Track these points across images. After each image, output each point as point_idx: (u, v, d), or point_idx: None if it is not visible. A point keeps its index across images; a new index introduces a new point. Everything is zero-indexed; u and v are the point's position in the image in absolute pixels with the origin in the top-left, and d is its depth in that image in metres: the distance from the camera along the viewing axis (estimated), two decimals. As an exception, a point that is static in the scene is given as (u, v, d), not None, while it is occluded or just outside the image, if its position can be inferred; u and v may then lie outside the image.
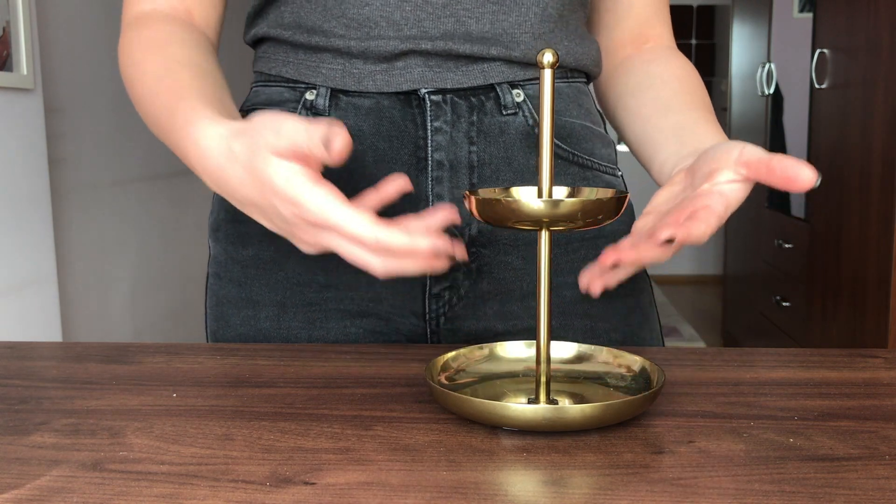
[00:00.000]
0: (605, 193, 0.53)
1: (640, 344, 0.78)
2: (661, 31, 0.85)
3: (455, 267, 0.73)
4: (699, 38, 5.63)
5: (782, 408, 0.54)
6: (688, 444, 0.48)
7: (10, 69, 1.89)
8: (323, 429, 0.50)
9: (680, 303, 5.14)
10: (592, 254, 0.76)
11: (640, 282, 0.79)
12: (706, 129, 0.70)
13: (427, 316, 0.74)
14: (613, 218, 0.51)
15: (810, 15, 3.01)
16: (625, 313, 0.77)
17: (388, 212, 0.72)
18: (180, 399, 0.56)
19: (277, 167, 0.51)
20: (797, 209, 3.18)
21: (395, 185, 0.56)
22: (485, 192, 0.55)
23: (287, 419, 0.52)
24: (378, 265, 0.52)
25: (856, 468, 0.45)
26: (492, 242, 0.73)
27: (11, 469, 0.45)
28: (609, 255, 0.55)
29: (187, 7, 0.74)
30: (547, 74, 0.50)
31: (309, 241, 0.55)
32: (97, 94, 2.48)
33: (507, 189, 0.56)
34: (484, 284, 0.74)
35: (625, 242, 0.56)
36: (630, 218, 0.79)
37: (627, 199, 0.53)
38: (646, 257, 0.55)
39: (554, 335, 0.74)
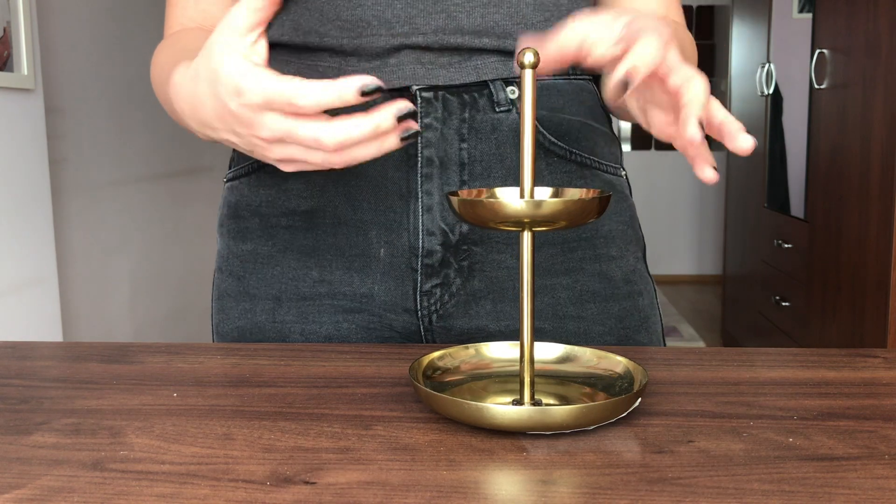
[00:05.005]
0: (589, 194, 0.53)
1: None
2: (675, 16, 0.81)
3: (446, 264, 0.73)
4: (699, 38, 5.63)
5: (782, 407, 0.54)
6: (687, 444, 0.48)
7: (10, 69, 1.89)
8: (323, 428, 0.51)
9: (680, 303, 5.15)
10: (590, 254, 0.75)
11: (639, 284, 0.78)
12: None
13: (419, 313, 0.74)
14: (596, 217, 0.51)
15: (810, 15, 3.01)
16: (621, 316, 0.76)
17: (381, 206, 0.72)
18: (181, 399, 0.57)
19: (225, 59, 0.54)
20: (796, 209, 3.18)
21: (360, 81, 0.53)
22: (468, 193, 0.55)
23: (287, 419, 0.52)
24: (338, 161, 0.56)
25: (855, 468, 0.45)
26: (483, 241, 0.73)
27: (12, 469, 0.45)
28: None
29: (210, 20, 0.79)
30: (528, 75, 0.50)
31: (272, 156, 0.57)
32: (97, 94, 2.48)
33: (491, 189, 0.56)
34: (476, 283, 0.74)
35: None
36: (630, 216, 0.79)
37: (610, 199, 0.53)
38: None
39: (547, 338, 0.73)
